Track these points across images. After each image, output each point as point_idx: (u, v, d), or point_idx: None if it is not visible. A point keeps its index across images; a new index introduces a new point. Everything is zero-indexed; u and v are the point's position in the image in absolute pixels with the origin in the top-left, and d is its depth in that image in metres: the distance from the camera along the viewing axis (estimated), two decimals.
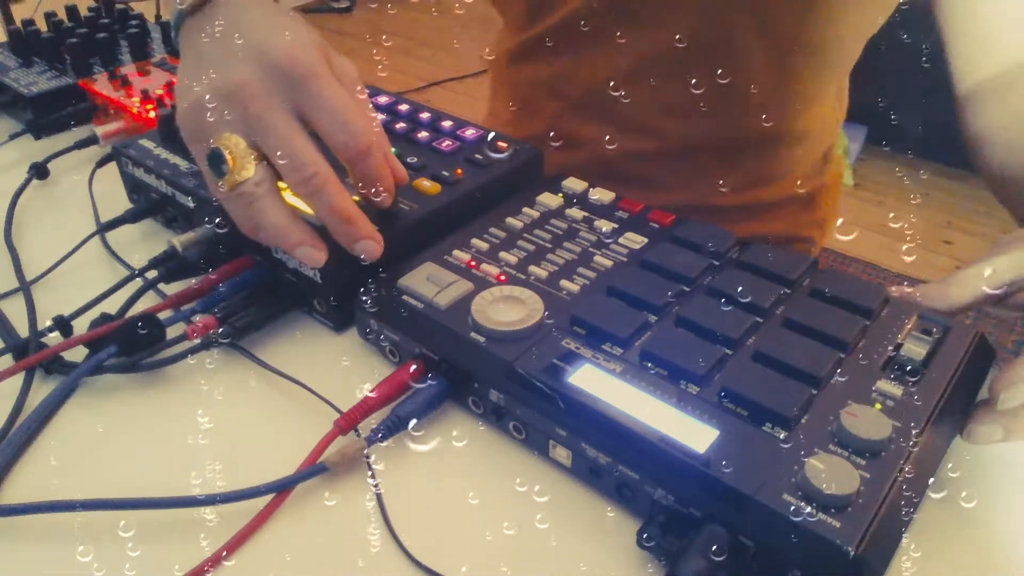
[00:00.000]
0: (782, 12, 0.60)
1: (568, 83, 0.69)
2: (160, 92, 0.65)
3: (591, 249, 0.46)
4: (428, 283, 0.43)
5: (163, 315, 0.44)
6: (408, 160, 0.52)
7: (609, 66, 0.65)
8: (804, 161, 0.72)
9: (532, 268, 0.44)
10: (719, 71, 0.62)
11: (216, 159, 0.40)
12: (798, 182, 0.73)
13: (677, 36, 0.61)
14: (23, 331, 0.45)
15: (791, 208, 0.74)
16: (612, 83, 0.66)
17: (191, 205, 0.50)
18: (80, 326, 0.44)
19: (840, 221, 0.81)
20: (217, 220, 0.46)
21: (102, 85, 0.67)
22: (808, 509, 0.30)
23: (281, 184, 0.42)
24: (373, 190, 0.44)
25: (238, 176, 0.40)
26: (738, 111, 0.66)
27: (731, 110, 0.65)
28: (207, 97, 0.41)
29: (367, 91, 0.46)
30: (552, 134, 0.71)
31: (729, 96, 0.64)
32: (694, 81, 0.63)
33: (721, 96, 0.64)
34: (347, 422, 0.38)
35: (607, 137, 0.69)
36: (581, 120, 0.70)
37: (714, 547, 0.31)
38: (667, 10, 0.61)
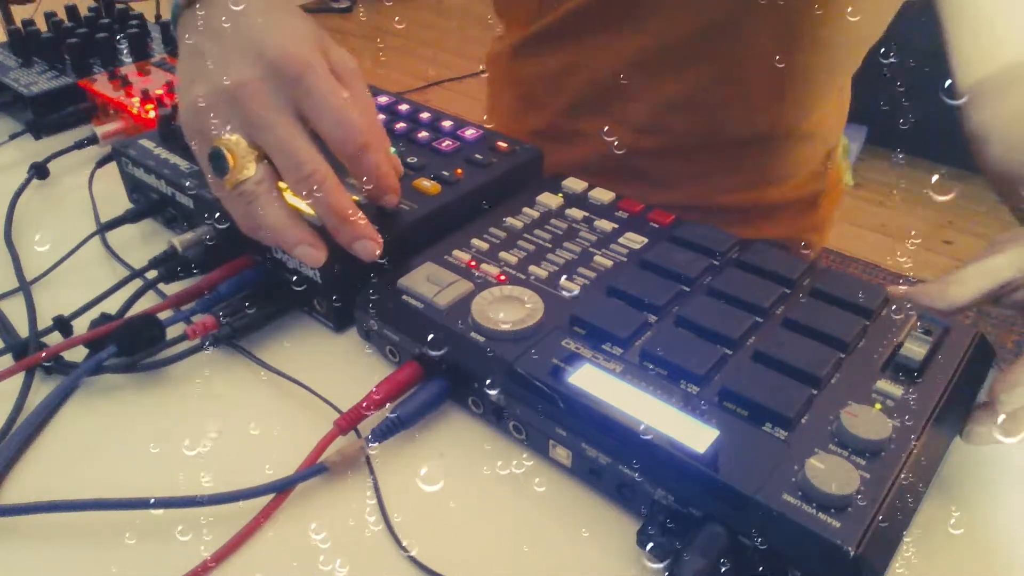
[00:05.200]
0: (788, 7, 0.60)
1: (573, 77, 0.69)
2: (160, 92, 0.65)
3: (591, 249, 0.46)
4: (428, 283, 0.43)
5: (163, 315, 0.44)
6: (408, 160, 0.52)
7: (614, 59, 0.65)
8: (806, 163, 0.72)
9: (532, 268, 0.44)
10: (724, 66, 0.62)
11: (217, 158, 0.40)
12: (800, 184, 0.73)
13: (683, 30, 0.61)
14: (23, 331, 0.45)
15: (792, 211, 0.74)
16: (617, 77, 0.66)
17: (191, 205, 0.50)
18: (80, 326, 0.44)
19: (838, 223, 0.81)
20: (216, 216, 0.46)
21: (102, 85, 0.67)
22: (808, 509, 0.30)
23: (283, 185, 0.42)
24: (376, 188, 0.44)
25: (239, 175, 0.40)
26: (742, 108, 0.66)
27: (735, 107, 0.65)
28: (208, 96, 0.41)
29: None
30: (554, 129, 0.71)
31: (734, 92, 0.64)
32: (699, 76, 0.63)
33: (726, 92, 0.64)
34: (347, 422, 0.38)
35: (610, 132, 0.68)
36: (584, 115, 0.70)
37: (714, 547, 0.31)
38: (673, 4, 0.61)
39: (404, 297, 0.42)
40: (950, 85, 0.49)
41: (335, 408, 0.40)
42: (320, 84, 0.40)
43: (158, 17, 0.86)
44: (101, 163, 0.59)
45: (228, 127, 0.41)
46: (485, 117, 0.84)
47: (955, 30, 0.53)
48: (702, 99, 0.65)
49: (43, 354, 0.42)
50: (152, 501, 0.35)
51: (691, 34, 0.61)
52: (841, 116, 0.75)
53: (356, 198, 0.44)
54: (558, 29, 0.68)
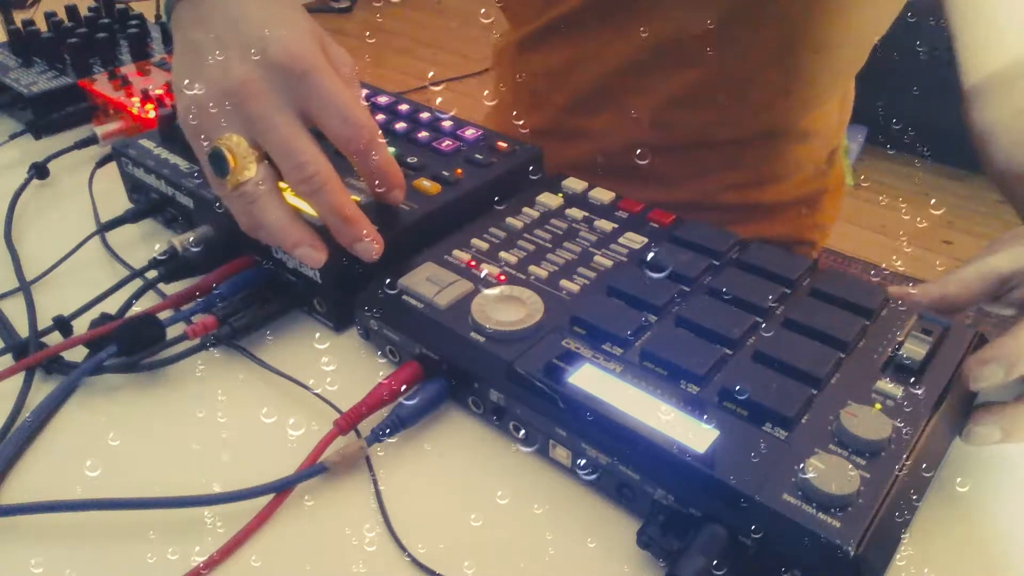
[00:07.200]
0: (791, 6, 0.60)
1: (576, 73, 0.69)
2: (160, 92, 0.65)
3: (591, 249, 0.46)
4: (428, 283, 0.43)
5: (163, 315, 0.44)
6: (408, 160, 0.52)
7: (617, 56, 0.65)
8: (808, 162, 0.72)
9: (532, 268, 0.44)
10: (728, 64, 0.62)
11: (218, 159, 0.40)
12: (801, 183, 0.73)
13: (686, 28, 0.61)
14: (23, 331, 0.45)
15: (793, 211, 0.74)
16: (620, 73, 0.66)
17: (191, 205, 0.50)
18: (80, 326, 0.44)
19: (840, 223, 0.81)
20: (216, 217, 0.46)
21: (102, 85, 0.67)
22: (808, 509, 0.30)
23: (284, 185, 0.42)
24: (381, 184, 0.44)
25: (240, 176, 0.40)
26: (744, 106, 0.66)
27: (738, 105, 0.65)
28: (208, 95, 0.41)
29: (363, 89, 0.46)
30: (557, 126, 0.71)
31: (737, 90, 0.64)
32: (702, 73, 0.63)
33: (728, 90, 0.64)
34: (347, 422, 0.38)
35: (612, 129, 0.68)
36: (588, 111, 0.70)
37: (714, 547, 0.31)
38: (677, 1, 0.61)
39: (404, 297, 0.42)
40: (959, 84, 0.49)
41: (335, 408, 0.40)
42: (326, 82, 0.40)
43: (158, 17, 0.86)
44: (101, 163, 0.59)
45: (229, 127, 0.41)
46: (488, 114, 0.83)
47: (961, 26, 0.53)
48: (705, 96, 0.65)
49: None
50: (152, 501, 0.35)
51: (695, 32, 0.61)
52: (844, 115, 0.75)
53: (357, 199, 0.44)
54: (562, 25, 0.67)
